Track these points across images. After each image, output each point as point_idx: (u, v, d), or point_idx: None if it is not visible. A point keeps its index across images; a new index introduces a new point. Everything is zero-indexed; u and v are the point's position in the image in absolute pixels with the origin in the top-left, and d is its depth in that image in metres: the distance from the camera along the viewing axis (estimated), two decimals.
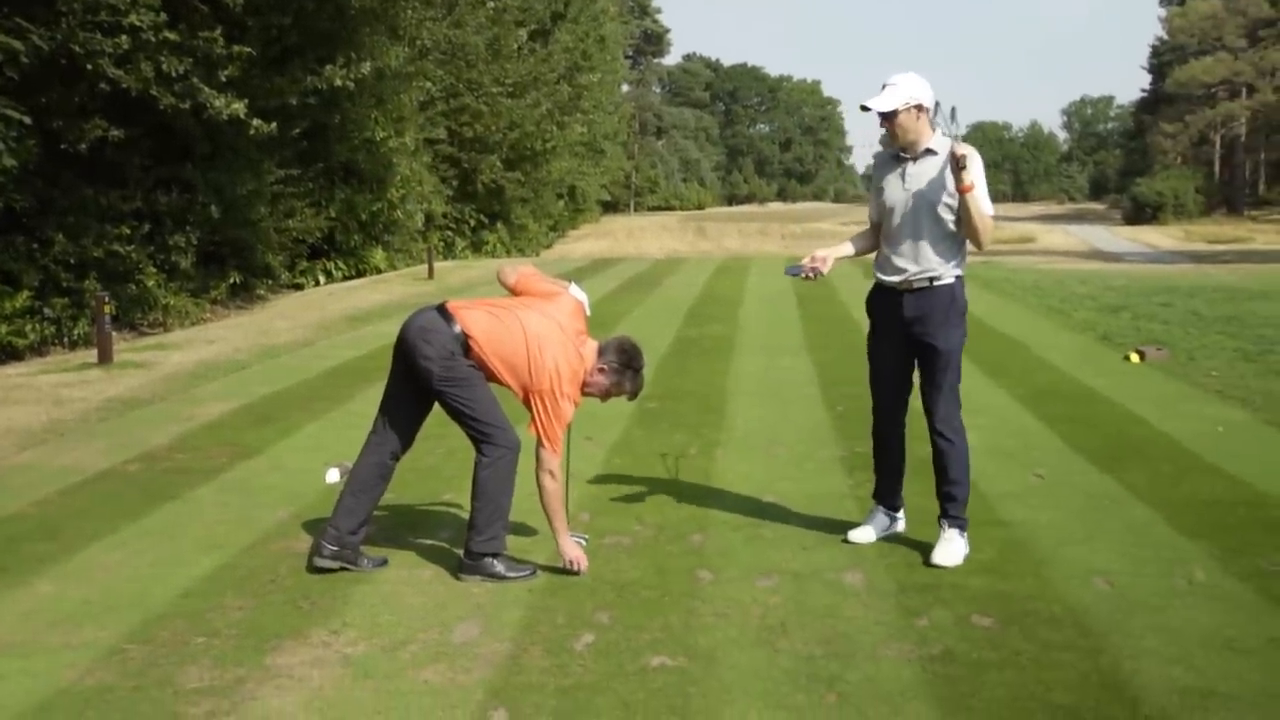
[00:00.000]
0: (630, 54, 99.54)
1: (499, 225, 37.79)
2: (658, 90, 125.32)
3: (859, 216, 72.47)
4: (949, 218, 4.84)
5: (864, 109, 4.83)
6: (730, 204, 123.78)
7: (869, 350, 5.32)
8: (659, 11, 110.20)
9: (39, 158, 12.81)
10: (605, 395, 4.94)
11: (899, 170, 4.98)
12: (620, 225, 64.72)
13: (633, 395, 5.03)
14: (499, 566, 4.75)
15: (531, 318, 4.74)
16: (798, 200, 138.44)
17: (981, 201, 4.76)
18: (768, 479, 6.45)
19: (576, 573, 4.77)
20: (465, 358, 4.68)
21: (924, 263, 4.91)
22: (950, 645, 4.04)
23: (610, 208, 79.61)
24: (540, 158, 39.09)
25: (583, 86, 44.68)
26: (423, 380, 4.69)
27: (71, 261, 14.43)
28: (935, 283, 4.91)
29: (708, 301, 17.18)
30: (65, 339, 14.18)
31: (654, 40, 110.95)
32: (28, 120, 11.98)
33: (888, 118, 4.84)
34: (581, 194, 56.57)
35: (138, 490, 6.33)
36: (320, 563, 4.79)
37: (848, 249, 5.35)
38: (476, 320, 4.72)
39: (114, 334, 12.12)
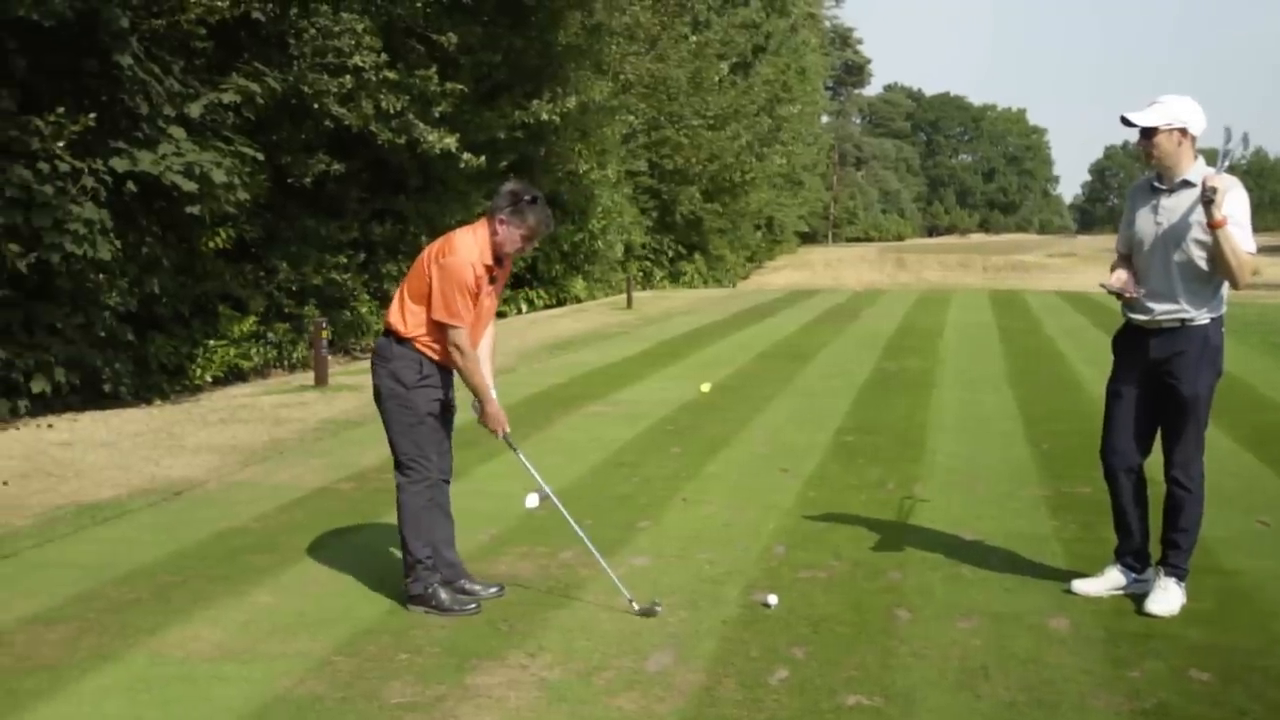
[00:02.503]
0: (831, 85, 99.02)
1: (697, 256, 37.99)
2: (858, 121, 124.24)
3: (1064, 248, 69.75)
4: (1201, 255, 4.52)
5: (1124, 121, 4.57)
6: (930, 235, 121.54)
7: (1109, 390, 4.98)
8: (860, 42, 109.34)
9: (268, 191, 13.58)
10: (527, 240, 4.79)
11: (1152, 202, 4.69)
12: (818, 256, 64.23)
13: (545, 225, 4.83)
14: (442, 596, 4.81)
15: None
16: (1000, 231, 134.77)
17: (1237, 238, 4.41)
18: (968, 516, 6.28)
19: (495, 433, 4.88)
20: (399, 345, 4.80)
21: (1174, 301, 4.61)
22: (1165, 699, 3.84)
23: (808, 239, 79.09)
24: (739, 189, 39.14)
25: (783, 118, 44.60)
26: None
27: (293, 288, 15.21)
28: (1187, 323, 4.61)
29: (907, 334, 16.87)
30: (286, 362, 14.90)
31: (855, 71, 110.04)
32: (261, 157, 12.73)
33: (1146, 135, 4.55)
34: (779, 225, 56.39)
35: (349, 508, 6.61)
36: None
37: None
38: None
39: (329, 358, 12.71)
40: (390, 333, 4.84)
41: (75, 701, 3.89)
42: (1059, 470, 7.37)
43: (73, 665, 4.20)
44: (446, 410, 4.94)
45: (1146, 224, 4.69)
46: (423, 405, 4.79)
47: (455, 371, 4.84)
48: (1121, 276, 4.75)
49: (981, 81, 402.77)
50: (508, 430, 4.95)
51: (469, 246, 4.71)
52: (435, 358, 4.79)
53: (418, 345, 4.77)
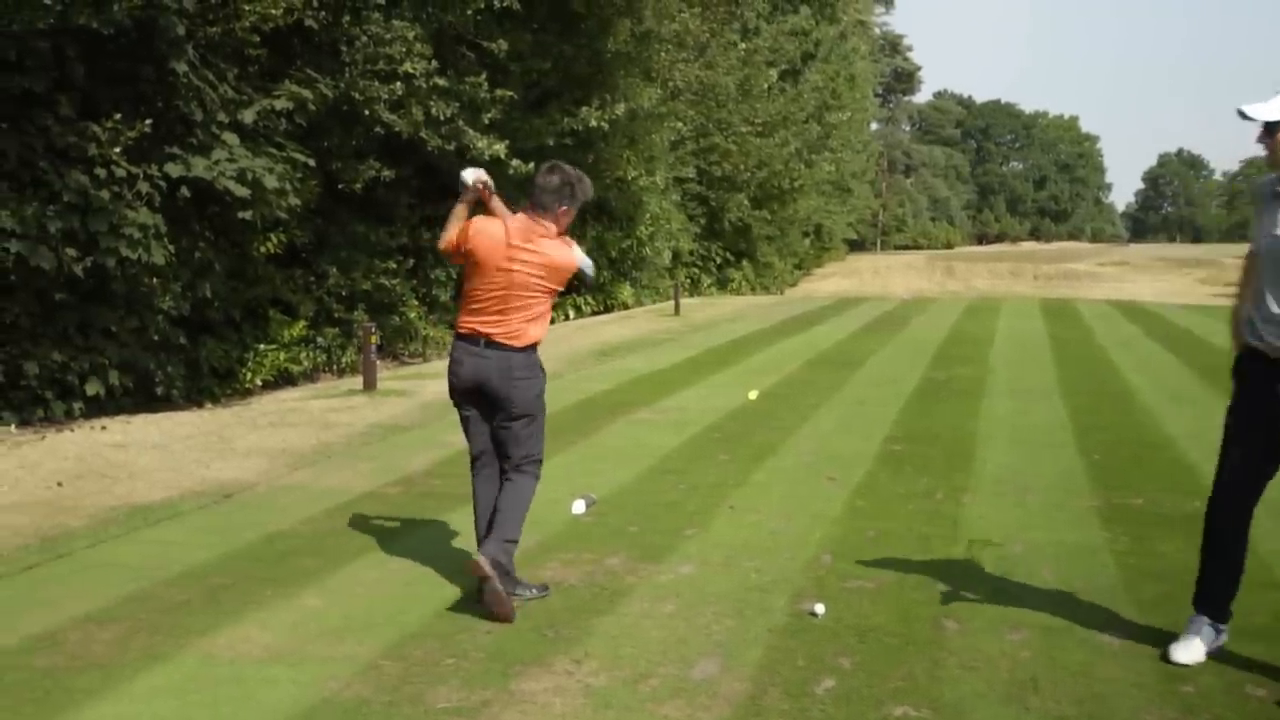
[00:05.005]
0: (880, 92, 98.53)
1: (745, 263, 37.93)
2: (907, 128, 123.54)
3: (1116, 256, 68.71)
4: None
5: (1241, 115, 4.00)
6: (980, 243, 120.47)
7: (1227, 424, 4.29)
8: (910, 49, 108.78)
9: (319, 197, 13.72)
10: (558, 203, 4.91)
11: (1276, 211, 4.09)
12: (866, 264, 63.90)
13: (590, 191, 5.03)
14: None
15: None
16: (1051, 239, 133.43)
17: None
18: (1018, 527, 6.21)
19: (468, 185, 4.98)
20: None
21: None
22: (1220, 715, 3.79)
23: (857, 246, 78.71)
24: (787, 196, 39.02)
25: (832, 125, 44.41)
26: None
27: (343, 294, 15.34)
28: None
29: (956, 342, 16.73)
30: (335, 366, 15.03)
31: (904, 78, 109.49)
32: (312, 163, 12.87)
33: (1269, 131, 3.97)
34: (828, 232, 56.12)
35: (397, 512, 6.64)
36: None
37: None
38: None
39: (378, 363, 12.80)
40: (528, 348, 4.93)
41: (126, 701, 3.94)
42: (1110, 481, 7.28)
43: (124, 665, 4.25)
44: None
45: (1267, 234, 4.10)
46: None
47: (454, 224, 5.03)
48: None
49: (1033, 89, 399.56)
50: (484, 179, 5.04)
51: (574, 251, 4.97)
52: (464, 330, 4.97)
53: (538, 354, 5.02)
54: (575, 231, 20.87)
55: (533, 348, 4.93)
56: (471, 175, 5.01)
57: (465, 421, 5.05)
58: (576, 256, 4.98)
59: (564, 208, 4.90)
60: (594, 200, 25.45)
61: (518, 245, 4.83)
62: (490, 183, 5.03)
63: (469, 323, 4.89)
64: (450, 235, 4.98)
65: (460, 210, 5.01)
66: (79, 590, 5.15)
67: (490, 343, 4.84)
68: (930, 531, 6.14)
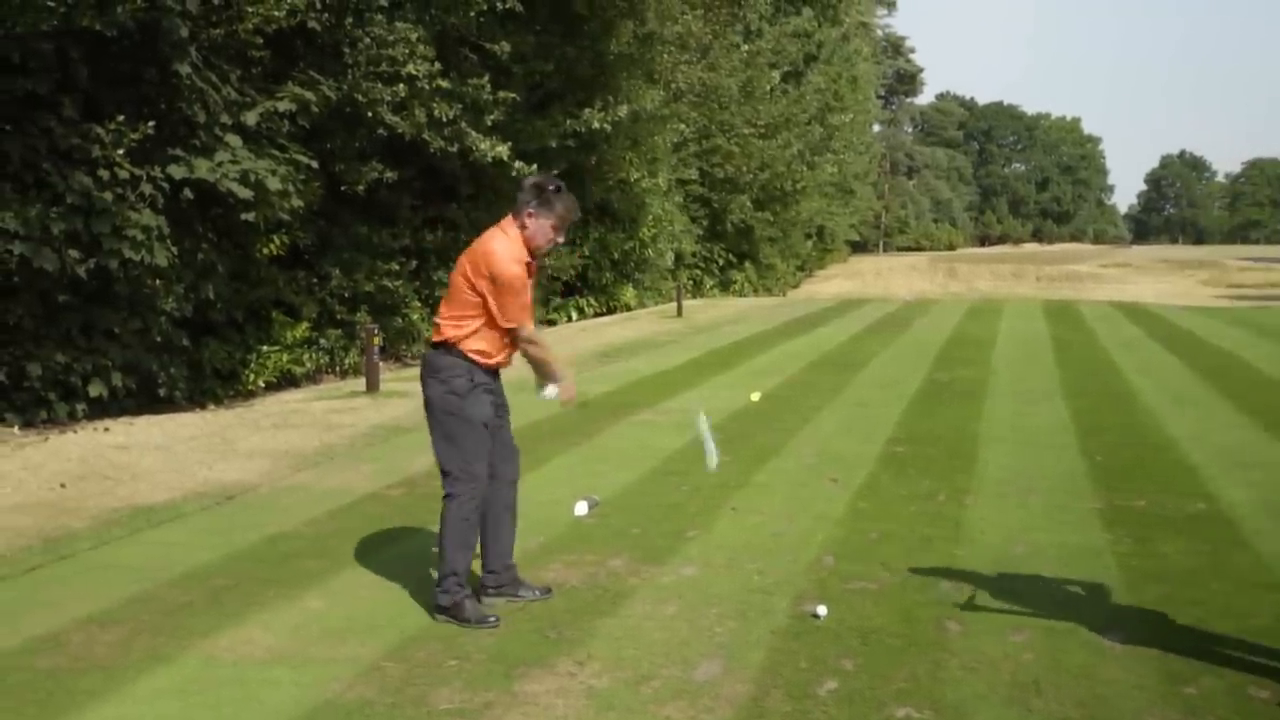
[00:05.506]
0: (882, 94, 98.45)
1: (747, 264, 37.91)
2: (910, 130, 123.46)
3: (1119, 258, 68.81)
4: None
5: None
6: (982, 244, 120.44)
7: None
8: (913, 51, 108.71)
9: (322, 198, 13.72)
10: (557, 230, 4.82)
11: None
12: (869, 265, 63.90)
13: (573, 212, 4.85)
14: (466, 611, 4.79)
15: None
16: (1054, 241, 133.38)
17: None
18: (1020, 529, 6.21)
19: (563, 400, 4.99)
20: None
21: None
22: (1222, 717, 3.79)
23: (859, 248, 78.70)
24: (790, 198, 38.99)
25: (834, 127, 44.37)
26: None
27: (346, 295, 15.33)
28: None
29: (958, 344, 16.72)
30: (337, 368, 15.03)
31: (907, 80, 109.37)
32: (315, 164, 12.87)
33: None
34: (830, 234, 56.09)
35: (399, 514, 6.65)
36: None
37: None
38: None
39: (381, 364, 12.80)
40: (439, 344, 4.83)
41: (129, 702, 3.94)
42: (1113, 483, 7.28)
43: (127, 666, 4.25)
44: (500, 413, 4.94)
45: None
46: (476, 413, 4.78)
47: (530, 360, 4.95)
48: None
49: (1036, 90, 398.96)
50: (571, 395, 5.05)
51: (506, 248, 4.72)
52: (484, 363, 4.79)
53: (468, 354, 4.77)
54: (579, 232, 20.93)
55: (449, 346, 4.79)
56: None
57: None
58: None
59: (530, 210, 4.75)
60: (597, 202, 25.62)
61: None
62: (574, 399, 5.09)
63: None
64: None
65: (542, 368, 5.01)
66: (82, 591, 5.16)
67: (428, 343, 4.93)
68: (932, 533, 6.13)
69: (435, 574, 4.87)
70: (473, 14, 15.49)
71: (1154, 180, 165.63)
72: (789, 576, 5.33)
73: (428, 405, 4.88)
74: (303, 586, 5.24)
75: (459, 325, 4.77)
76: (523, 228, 4.77)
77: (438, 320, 4.87)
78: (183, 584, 5.28)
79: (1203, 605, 4.78)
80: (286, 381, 13.84)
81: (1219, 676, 4.11)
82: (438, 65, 14.57)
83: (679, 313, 23.67)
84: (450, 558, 4.77)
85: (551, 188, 4.77)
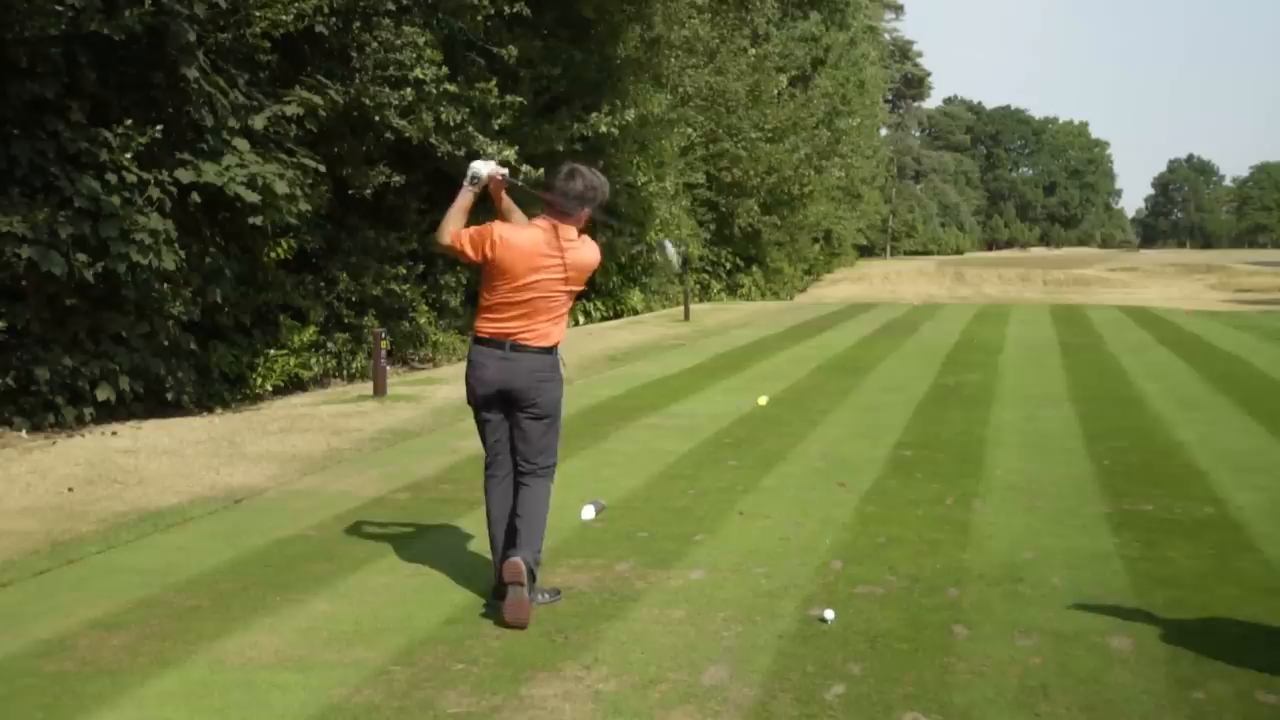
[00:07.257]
0: (890, 98, 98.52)
1: (754, 268, 37.91)
2: (917, 134, 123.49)
3: (1127, 262, 68.76)
4: None
5: None
6: (990, 248, 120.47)
7: None
8: (920, 55, 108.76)
9: (329, 203, 13.73)
10: (580, 208, 4.96)
11: None
12: (876, 270, 63.81)
13: (593, 188, 4.97)
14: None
15: None
16: (1061, 245, 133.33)
17: None
18: (1028, 533, 6.19)
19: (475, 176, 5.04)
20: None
21: None
22: None
23: (866, 252, 78.70)
24: (797, 202, 38.99)
25: (841, 131, 44.41)
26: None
27: (353, 299, 15.34)
28: None
29: (966, 348, 16.71)
30: (345, 372, 15.02)
31: (914, 84, 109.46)
32: (322, 168, 12.88)
33: None
34: (838, 238, 56.11)
35: (407, 517, 6.64)
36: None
37: None
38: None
39: (388, 368, 12.80)
40: (552, 348, 4.96)
41: (136, 706, 3.94)
42: (1121, 487, 7.26)
43: (134, 670, 4.25)
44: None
45: None
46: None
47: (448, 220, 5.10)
48: None
49: (1043, 94, 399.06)
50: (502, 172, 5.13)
51: (529, 232, 4.98)
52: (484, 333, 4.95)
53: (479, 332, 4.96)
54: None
55: (555, 348, 4.97)
56: (486, 168, 5.02)
57: (484, 425, 5.06)
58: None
59: (585, 210, 4.96)
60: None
61: (546, 253, 4.87)
62: (506, 173, 5.03)
63: (491, 326, 4.90)
64: (452, 230, 5.00)
65: (465, 203, 5.03)
66: (89, 596, 5.16)
67: (516, 345, 4.86)
68: (940, 537, 6.12)
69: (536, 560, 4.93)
70: (480, 18, 15.52)
71: (1161, 184, 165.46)
72: (796, 580, 5.32)
73: (547, 405, 4.97)
74: (310, 590, 5.23)
75: (561, 328, 5.01)
76: (578, 225, 5.00)
77: (536, 327, 4.91)
78: (190, 588, 5.28)
79: (1211, 609, 4.76)
80: (294, 385, 13.83)
81: (1228, 681, 4.09)
82: (445, 69, 14.58)
83: (686, 316, 23.69)
84: (544, 529, 5.02)
85: (596, 185, 5.00)
